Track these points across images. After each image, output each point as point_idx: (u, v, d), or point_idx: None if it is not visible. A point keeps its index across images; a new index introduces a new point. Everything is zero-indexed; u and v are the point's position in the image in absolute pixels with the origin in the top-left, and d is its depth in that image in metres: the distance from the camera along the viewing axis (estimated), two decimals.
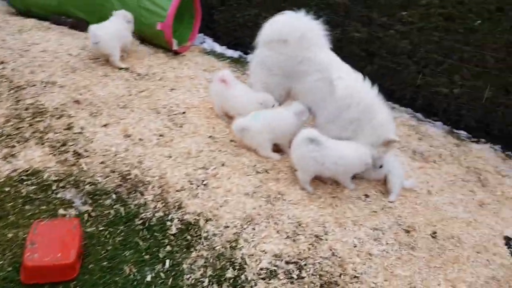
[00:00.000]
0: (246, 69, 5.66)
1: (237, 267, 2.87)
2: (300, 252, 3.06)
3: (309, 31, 3.80)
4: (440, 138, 5.19)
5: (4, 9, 6.01)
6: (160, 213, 3.17)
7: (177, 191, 3.37)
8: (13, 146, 3.53)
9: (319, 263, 3.02)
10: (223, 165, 3.73)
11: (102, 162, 3.53)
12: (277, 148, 4.03)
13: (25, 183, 3.22)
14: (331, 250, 3.14)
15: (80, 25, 5.52)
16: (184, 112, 4.36)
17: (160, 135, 3.94)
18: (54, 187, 3.22)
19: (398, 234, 3.45)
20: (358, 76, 3.88)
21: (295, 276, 2.89)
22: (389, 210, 3.72)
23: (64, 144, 3.62)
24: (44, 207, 3.06)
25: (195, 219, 3.16)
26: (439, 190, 4.16)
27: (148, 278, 2.72)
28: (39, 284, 2.54)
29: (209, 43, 6.37)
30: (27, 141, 3.60)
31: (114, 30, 4.87)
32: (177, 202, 3.27)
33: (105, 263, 2.75)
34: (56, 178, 3.29)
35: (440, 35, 5.12)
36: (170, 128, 4.07)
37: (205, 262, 2.87)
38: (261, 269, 2.89)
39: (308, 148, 3.51)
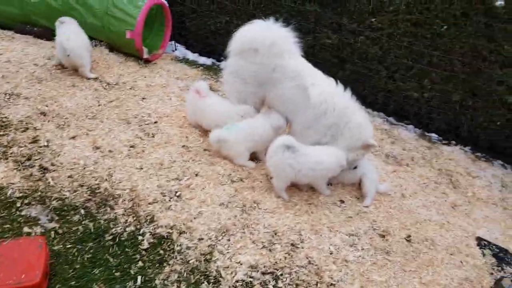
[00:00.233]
0: (220, 76, 5.64)
1: (212, 281, 2.81)
2: (276, 262, 3.02)
3: (279, 38, 3.79)
4: (412, 141, 5.28)
5: None
6: (131, 228, 3.07)
7: (149, 204, 3.28)
8: None
9: (295, 272, 2.99)
10: (197, 175, 3.67)
11: (70, 176, 3.41)
12: (252, 156, 4.00)
13: None
14: (307, 258, 3.11)
15: (46, 34, 5.38)
16: (156, 122, 4.28)
17: (131, 146, 3.85)
18: (18, 204, 3.08)
19: (374, 239, 3.46)
20: (331, 81, 3.89)
21: (271, 287, 2.84)
22: (364, 215, 3.73)
23: (29, 159, 3.48)
24: (7, 226, 2.91)
25: (168, 232, 3.08)
26: (413, 193, 4.21)
27: None
28: None
29: (181, 51, 6.31)
30: None
31: (82, 39, 4.75)
32: (149, 215, 3.18)
33: (73, 282, 2.64)
34: (20, 195, 3.15)
35: (409, 40, 5.21)
36: (141, 139, 3.98)
37: (178, 277, 2.79)
38: (237, 281, 2.83)
39: (284, 155, 3.49)
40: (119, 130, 4.02)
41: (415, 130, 5.58)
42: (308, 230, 3.35)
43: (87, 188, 3.34)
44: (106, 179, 3.43)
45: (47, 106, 4.14)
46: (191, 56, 6.25)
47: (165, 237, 3.05)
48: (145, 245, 2.97)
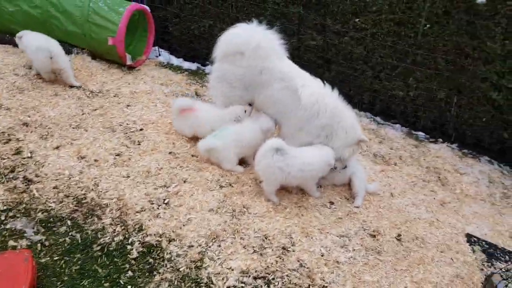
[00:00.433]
0: (205, 81, 5.60)
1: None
2: (267, 266, 2.99)
3: (264, 40, 3.78)
4: (400, 140, 5.31)
5: None
6: (120, 237, 3.01)
7: (137, 212, 3.23)
8: None
9: (287, 275, 2.96)
10: (185, 181, 3.63)
11: (55, 187, 3.33)
12: (240, 160, 3.97)
13: None
14: (298, 261, 3.09)
15: None
16: (141, 129, 4.22)
17: (117, 155, 3.79)
18: (2, 217, 3.00)
19: (364, 239, 3.46)
20: (319, 82, 3.89)
21: None
22: (354, 215, 3.73)
23: (12, 171, 3.40)
24: None
25: (157, 240, 3.03)
26: (402, 192, 4.23)
27: None
28: None
29: (165, 56, 6.25)
30: None
31: (58, 43, 4.70)
32: (137, 224, 3.13)
33: None
34: (4, 208, 3.07)
35: (393, 40, 5.25)
36: (127, 147, 3.92)
37: (169, 285, 2.74)
38: (229, 287, 2.79)
39: (273, 159, 3.47)
40: (104, 139, 3.96)
41: (402, 129, 5.62)
42: (298, 233, 3.33)
43: (73, 198, 3.27)
44: (92, 189, 3.37)
45: (29, 117, 4.06)
46: (176, 61, 6.20)
47: (155, 245, 3.00)
48: (134, 254, 2.92)
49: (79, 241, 2.95)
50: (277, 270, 2.98)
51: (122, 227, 3.09)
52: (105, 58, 5.46)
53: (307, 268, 3.05)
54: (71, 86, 4.71)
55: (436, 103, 5.40)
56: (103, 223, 3.11)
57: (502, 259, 3.60)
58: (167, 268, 2.85)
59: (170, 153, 3.94)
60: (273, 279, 2.91)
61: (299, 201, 3.72)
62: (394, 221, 3.76)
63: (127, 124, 4.26)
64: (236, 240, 3.15)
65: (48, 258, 2.80)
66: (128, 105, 4.62)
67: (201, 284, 2.79)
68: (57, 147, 3.75)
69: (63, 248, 2.89)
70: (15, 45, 5.30)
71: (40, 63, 4.57)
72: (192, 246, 3.03)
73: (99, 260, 2.85)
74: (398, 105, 5.65)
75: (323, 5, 5.40)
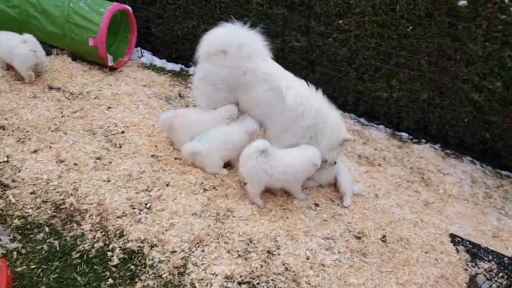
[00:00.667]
0: (189, 82, 5.53)
1: None
2: (252, 271, 2.95)
3: (247, 40, 3.73)
4: (384, 141, 5.32)
5: None
6: (100, 244, 2.93)
7: (117, 217, 3.14)
8: None
9: (272, 280, 2.92)
10: (167, 185, 3.56)
11: (32, 192, 3.23)
12: (225, 163, 3.90)
13: None
14: (284, 265, 3.06)
15: None
16: (123, 132, 4.14)
17: (97, 158, 3.70)
18: None
19: (350, 241, 3.44)
20: (303, 83, 3.87)
21: None
22: (339, 217, 3.71)
23: None
24: None
25: (138, 246, 2.96)
26: (386, 193, 4.23)
27: None
28: None
29: (148, 57, 6.15)
30: None
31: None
32: (118, 229, 3.05)
33: None
34: None
35: (376, 41, 5.26)
36: (108, 150, 3.83)
37: None
38: None
39: (257, 160, 3.43)
40: (84, 142, 3.86)
41: (386, 130, 5.64)
42: (284, 236, 3.30)
43: (51, 204, 3.18)
44: (71, 194, 3.28)
45: (6, 120, 3.94)
46: (159, 62, 6.11)
47: (136, 251, 2.93)
48: (115, 261, 2.84)
49: (57, 249, 2.86)
50: (262, 274, 2.94)
51: (103, 233, 3.01)
52: (86, 59, 5.35)
53: (293, 271, 3.01)
54: (50, 88, 4.59)
55: (419, 104, 5.43)
56: (82, 229, 3.02)
57: (486, 258, 3.62)
58: (149, 275, 2.78)
59: (152, 156, 3.87)
60: (258, 284, 2.87)
61: (284, 204, 3.69)
62: (379, 222, 3.75)
63: (108, 126, 4.17)
64: (220, 244, 3.10)
65: (25, 267, 2.71)
66: (109, 107, 4.52)
67: None
68: (35, 151, 3.65)
69: (41, 256, 2.80)
70: None
71: (24, 58, 4.47)
72: (175, 251, 2.97)
73: (78, 268, 2.77)
74: (381, 106, 5.66)
75: (307, 6, 5.39)
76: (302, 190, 3.82)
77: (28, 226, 2.98)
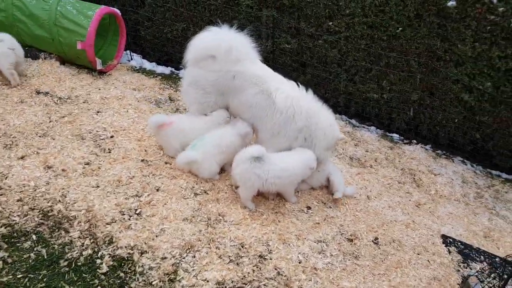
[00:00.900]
0: (179, 85, 5.48)
1: None
2: (244, 276, 2.91)
3: (235, 43, 3.71)
4: (375, 142, 5.32)
5: None
6: (89, 251, 2.88)
7: (107, 224, 3.09)
8: None
9: (264, 285, 2.89)
10: (158, 190, 3.51)
11: (19, 200, 3.17)
12: None
13: None
14: (276, 269, 3.03)
15: None
16: (112, 136, 4.08)
17: (86, 164, 3.64)
18: None
19: (342, 244, 3.42)
20: (293, 84, 3.85)
21: None
22: (331, 220, 3.70)
23: None
24: None
25: (128, 253, 2.91)
26: (378, 195, 4.23)
27: None
28: None
29: (138, 60, 6.11)
30: None
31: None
32: (107, 236, 3.00)
33: None
34: None
35: (366, 43, 5.27)
36: (96, 155, 3.78)
37: None
38: None
39: (251, 165, 3.40)
40: (72, 147, 3.81)
41: (377, 131, 5.65)
42: (276, 240, 3.27)
43: (39, 211, 3.12)
44: (59, 201, 3.22)
45: None
46: (148, 65, 6.07)
47: (126, 258, 2.88)
48: (104, 268, 2.79)
49: (45, 257, 2.80)
50: (254, 279, 2.90)
51: (91, 240, 2.96)
52: (75, 63, 5.29)
53: (285, 276, 2.98)
54: (38, 92, 4.53)
55: (409, 105, 5.45)
56: (70, 236, 2.97)
57: (478, 259, 3.63)
58: (139, 282, 2.74)
59: (142, 160, 3.82)
60: None
61: (276, 207, 3.67)
62: (371, 224, 3.74)
63: (97, 131, 4.11)
64: (211, 250, 3.06)
65: (11, 276, 2.64)
66: (98, 112, 4.46)
67: None
68: (22, 157, 3.58)
69: (28, 265, 2.74)
70: None
71: (3, 56, 4.44)
72: (166, 258, 2.92)
73: (66, 276, 2.71)
74: (372, 107, 5.68)
75: (297, 8, 5.38)
76: (294, 193, 3.80)
77: (15, 234, 2.92)
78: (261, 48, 3.92)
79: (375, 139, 5.40)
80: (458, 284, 3.30)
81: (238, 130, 3.80)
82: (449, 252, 3.66)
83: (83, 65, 5.28)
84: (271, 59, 5.48)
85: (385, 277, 3.20)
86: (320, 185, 4.04)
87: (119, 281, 2.72)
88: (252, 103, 3.78)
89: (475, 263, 3.58)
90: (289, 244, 3.27)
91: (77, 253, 2.85)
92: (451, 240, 3.81)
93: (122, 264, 2.84)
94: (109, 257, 2.86)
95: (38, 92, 4.58)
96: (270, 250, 3.17)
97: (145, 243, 2.99)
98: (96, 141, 3.97)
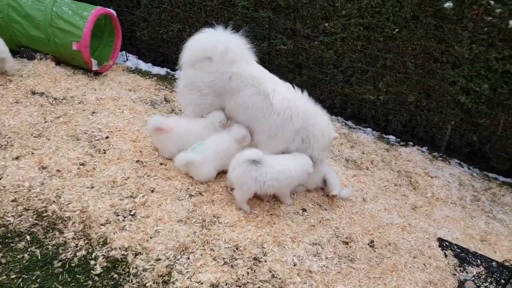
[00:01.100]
0: (175, 86, 5.46)
1: None
2: (238, 278, 2.90)
3: (231, 45, 3.70)
4: (371, 144, 5.31)
5: None
6: (83, 252, 2.86)
7: (101, 225, 3.07)
8: None
9: (259, 287, 2.87)
10: (152, 191, 3.49)
11: (13, 200, 3.14)
12: None
13: None
14: (270, 272, 3.01)
15: None
16: (107, 137, 4.06)
17: (81, 164, 3.62)
18: None
19: (337, 247, 3.41)
20: (289, 86, 3.84)
21: None
22: (327, 222, 3.68)
23: None
24: None
25: (122, 254, 2.89)
26: (374, 197, 4.21)
27: None
28: None
29: (133, 61, 6.09)
30: None
31: None
32: (101, 237, 2.98)
33: None
34: None
35: (363, 44, 5.26)
36: (91, 156, 3.75)
37: None
38: None
39: (248, 168, 3.38)
40: (67, 148, 3.78)
41: (373, 133, 5.64)
42: (270, 242, 3.25)
43: (33, 212, 3.09)
44: (54, 201, 3.20)
45: None
46: (144, 66, 6.05)
47: (120, 259, 2.86)
48: (98, 270, 2.77)
49: (39, 257, 2.78)
50: (248, 282, 2.89)
51: (85, 241, 2.94)
52: (70, 63, 5.27)
53: (279, 279, 2.97)
54: (33, 93, 4.50)
55: (406, 106, 5.44)
56: (65, 237, 2.94)
57: (474, 263, 3.62)
58: (133, 284, 2.72)
59: (137, 161, 3.80)
60: None
61: (271, 209, 3.65)
62: (366, 227, 3.73)
63: (92, 132, 4.09)
64: (206, 251, 3.04)
65: (5, 277, 2.62)
66: (93, 112, 4.44)
67: None
68: (16, 157, 3.56)
69: (21, 265, 2.71)
70: None
71: None
72: (160, 259, 2.90)
73: (60, 277, 2.68)
74: (369, 109, 5.67)
75: (293, 9, 5.37)
76: (290, 195, 3.79)
77: (9, 235, 2.90)
78: (257, 49, 3.91)
79: (371, 141, 5.39)
80: None
81: (234, 135, 3.78)
82: (446, 255, 3.64)
83: (79, 66, 5.26)
84: (267, 60, 5.47)
85: (380, 281, 3.19)
86: (315, 187, 4.03)
87: (113, 283, 2.70)
88: (249, 104, 3.77)
89: (472, 267, 3.56)
90: (284, 247, 3.26)
91: (71, 254, 2.83)
92: (447, 243, 3.79)
93: (116, 265, 2.82)
94: (103, 258, 2.83)
95: (33, 93, 4.55)
96: (265, 253, 3.16)
97: (139, 245, 2.97)
98: (91, 141, 3.95)
